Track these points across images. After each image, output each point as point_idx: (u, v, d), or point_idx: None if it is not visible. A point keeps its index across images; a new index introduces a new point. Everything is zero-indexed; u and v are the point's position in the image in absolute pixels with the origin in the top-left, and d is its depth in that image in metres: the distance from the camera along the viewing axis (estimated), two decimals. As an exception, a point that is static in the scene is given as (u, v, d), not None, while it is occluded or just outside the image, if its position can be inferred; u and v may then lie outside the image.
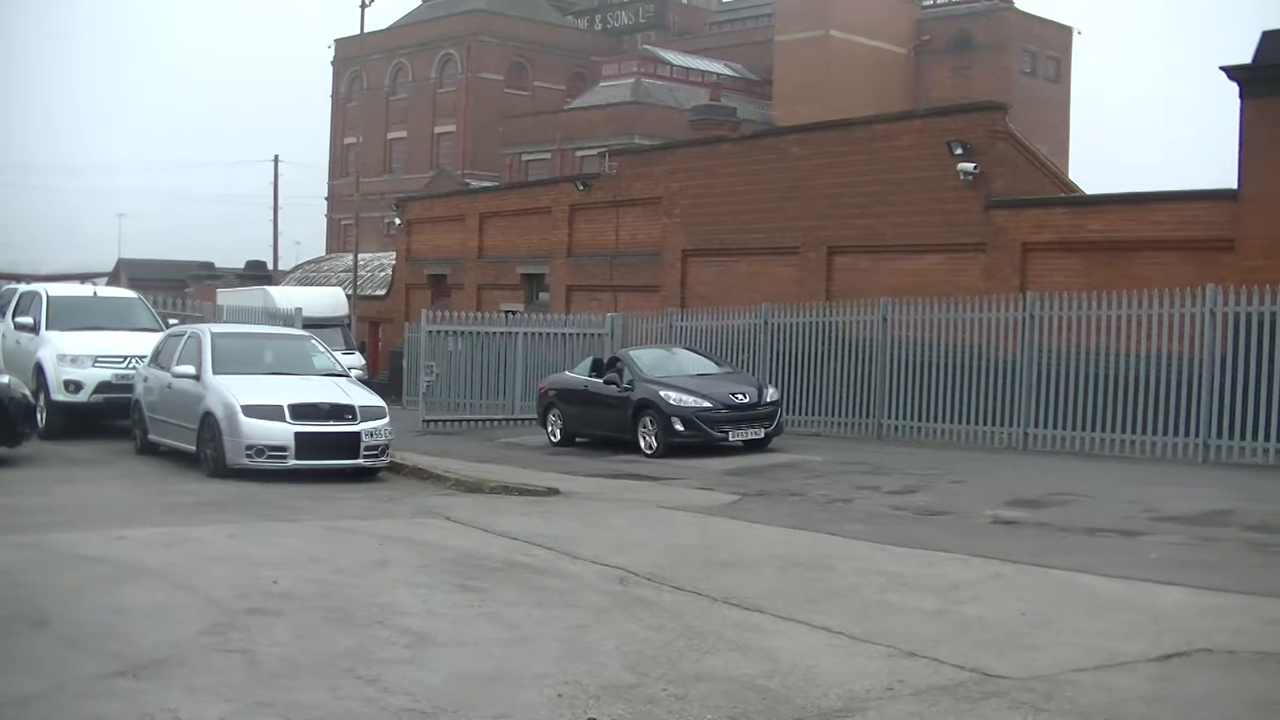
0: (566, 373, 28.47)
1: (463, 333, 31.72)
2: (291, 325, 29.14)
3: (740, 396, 24.45)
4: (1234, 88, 24.24)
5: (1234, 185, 24.36)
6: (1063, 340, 24.44)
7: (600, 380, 26.14)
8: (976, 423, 25.66)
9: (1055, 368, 24.33)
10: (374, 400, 20.57)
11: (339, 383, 20.83)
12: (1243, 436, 21.93)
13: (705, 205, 35.66)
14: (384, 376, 44.93)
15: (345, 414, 19.80)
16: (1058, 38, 78.47)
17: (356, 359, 39.24)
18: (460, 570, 12.19)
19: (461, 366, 31.56)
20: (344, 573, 11.97)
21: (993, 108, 30.95)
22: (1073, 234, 27.43)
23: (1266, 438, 21.65)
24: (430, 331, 30.97)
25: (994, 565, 12.71)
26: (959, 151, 28.98)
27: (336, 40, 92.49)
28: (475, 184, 62.72)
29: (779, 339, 29.47)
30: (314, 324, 31.48)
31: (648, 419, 24.44)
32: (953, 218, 29.40)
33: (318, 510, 16.28)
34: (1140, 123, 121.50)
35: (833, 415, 28.34)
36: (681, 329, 31.86)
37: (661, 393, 24.32)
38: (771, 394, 25.30)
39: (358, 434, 19.72)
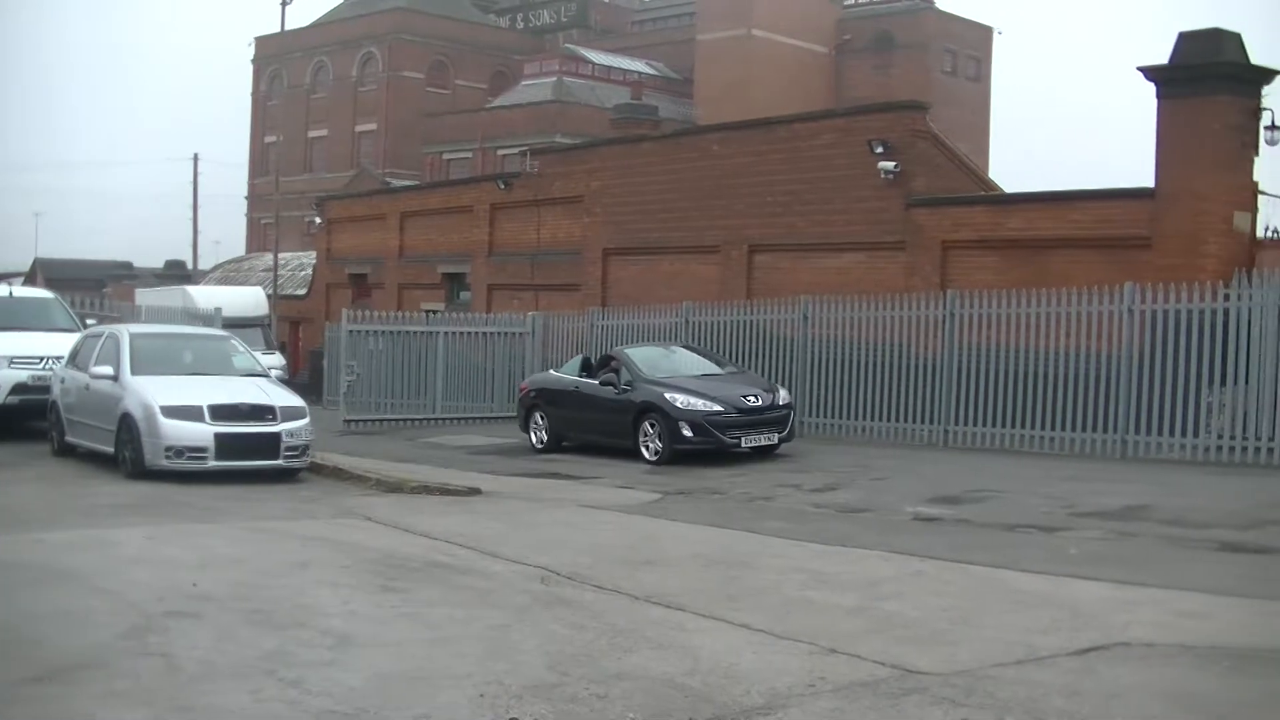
0: (551, 372, 27.33)
1: (383, 332, 31.60)
2: (211, 325, 28.93)
3: (752, 399, 23.03)
4: (1152, 88, 24.49)
5: (1151, 184, 24.58)
6: (983, 338, 24.58)
7: (592, 380, 24.67)
8: (897, 420, 25.78)
9: (975, 365, 24.46)
10: (294, 401, 20.46)
11: (259, 383, 20.69)
12: (1159, 432, 22.15)
13: (627, 204, 35.65)
14: (305, 376, 44.66)
15: (265, 415, 19.67)
16: (978, 37, 78.96)
17: (277, 359, 38.99)
18: (382, 571, 12.15)
19: (382, 366, 31.45)
20: (264, 574, 11.91)
21: (913, 107, 31.07)
22: (992, 232, 27.59)
23: (1183, 433, 21.87)
24: (351, 331, 30.82)
25: (915, 562, 12.80)
26: (879, 150, 29.07)
27: (257, 38, 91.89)
28: (396, 183, 62.47)
29: (700, 338, 29.46)
30: (234, 324, 31.24)
31: (650, 423, 22.94)
32: (873, 216, 29.49)
33: (238, 511, 16.18)
34: (1060, 122, 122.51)
35: (754, 413, 28.36)
36: (603, 328, 31.86)
37: (667, 395, 22.83)
38: (783, 396, 23.82)
39: (278, 435, 19.60)
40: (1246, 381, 21.42)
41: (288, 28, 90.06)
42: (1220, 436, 21.69)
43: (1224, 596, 10.88)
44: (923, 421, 25.36)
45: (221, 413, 19.32)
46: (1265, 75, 24.11)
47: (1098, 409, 22.92)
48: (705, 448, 22.52)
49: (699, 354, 26.11)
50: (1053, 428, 23.47)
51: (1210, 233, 23.61)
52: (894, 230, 29.07)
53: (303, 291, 54.37)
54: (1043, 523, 15.38)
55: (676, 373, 24.16)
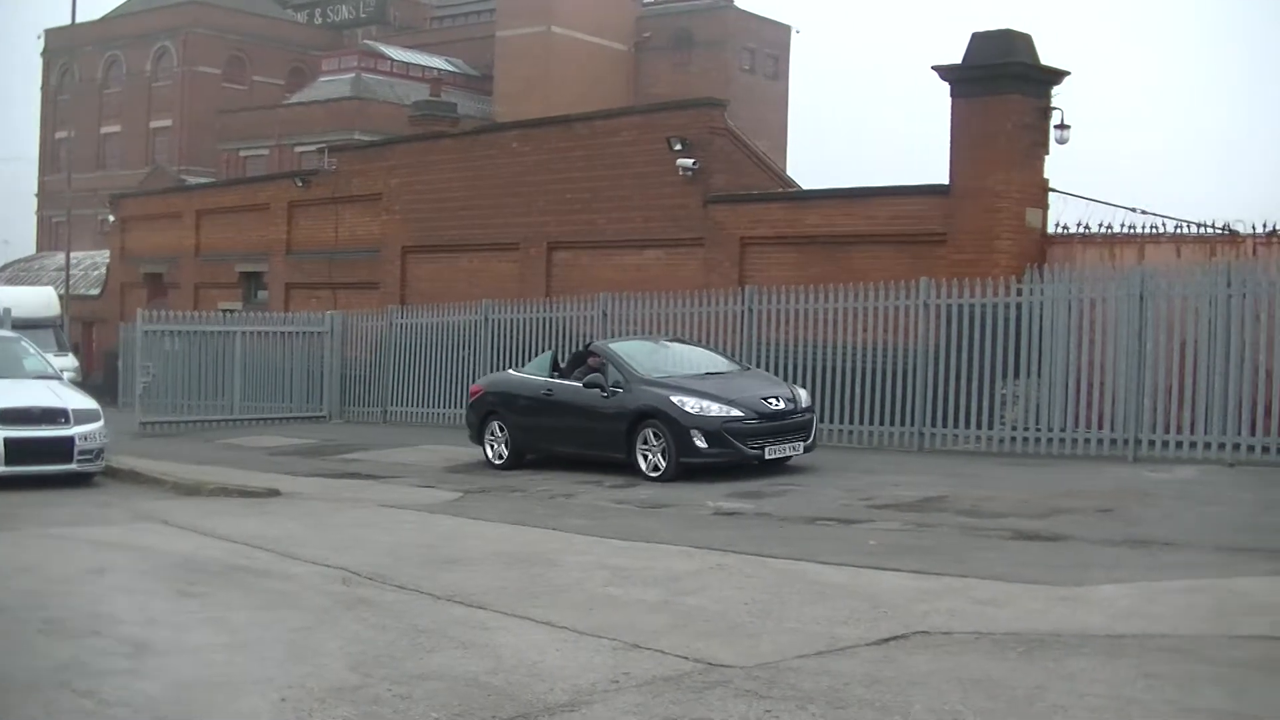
0: (511, 371, 24.00)
1: (180, 332, 31.10)
2: (0, 326, 28.29)
3: (774, 402, 19.90)
4: (946, 87, 24.91)
5: (946, 181, 25.01)
6: (781, 333, 24.83)
7: (569, 382, 21.27)
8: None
9: (774, 360, 24.66)
10: (88, 403, 20.07)
11: (51, 385, 20.29)
12: (956, 424, 22.57)
13: (426, 201, 35.44)
14: (99, 378, 43.83)
15: (58, 418, 19.30)
16: (776, 36, 79.66)
17: (69, 361, 38.05)
18: (180, 575, 11.97)
19: (179, 367, 30.92)
20: (58, 582, 11.67)
21: (712, 104, 31.27)
22: (790, 228, 27.85)
23: (978, 425, 22.31)
24: (146, 331, 30.31)
25: (716, 556, 12.89)
26: (678, 147, 29.21)
27: (46, 30, 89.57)
28: (192, 180, 61.44)
29: (500, 335, 29.42)
30: (24, 325, 30.47)
31: (651, 432, 19.65)
32: (672, 213, 29.63)
33: (30, 517, 15.85)
34: (857, 120, 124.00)
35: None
36: (401, 326, 31.71)
37: (674, 398, 19.56)
38: (804, 398, 20.77)
39: (71, 438, 19.24)
40: (1039, 374, 21.91)
41: (79, 20, 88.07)
42: (1014, 428, 22.15)
43: (1018, 584, 11.09)
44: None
45: (11, 416, 18.91)
46: (1055, 75, 24.64)
47: (896, 402, 23.29)
48: (721, 461, 19.38)
49: (696, 348, 22.96)
50: (852, 421, 23.78)
51: (1003, 229, 24.08)
52: (693, 227, 29.23)
53: (96, 291, 53.31)
54: (842, 515, 15.58)
55: (676, 370, 20.95)
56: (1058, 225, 24.41)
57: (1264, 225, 22.61)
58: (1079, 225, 24.03)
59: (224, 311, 36.06)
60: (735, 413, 19.41)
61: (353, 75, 72.73)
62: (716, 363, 21.71)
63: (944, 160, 25.00)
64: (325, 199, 38.94)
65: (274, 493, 18.24)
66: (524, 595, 10.99)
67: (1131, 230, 23.71)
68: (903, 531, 14.47)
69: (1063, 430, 21.63)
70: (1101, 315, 21.66)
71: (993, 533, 14.07)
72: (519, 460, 21.95)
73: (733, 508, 16.55)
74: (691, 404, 19.44)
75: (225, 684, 8.30)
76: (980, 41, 24.51)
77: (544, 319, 28.95)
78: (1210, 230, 23.41)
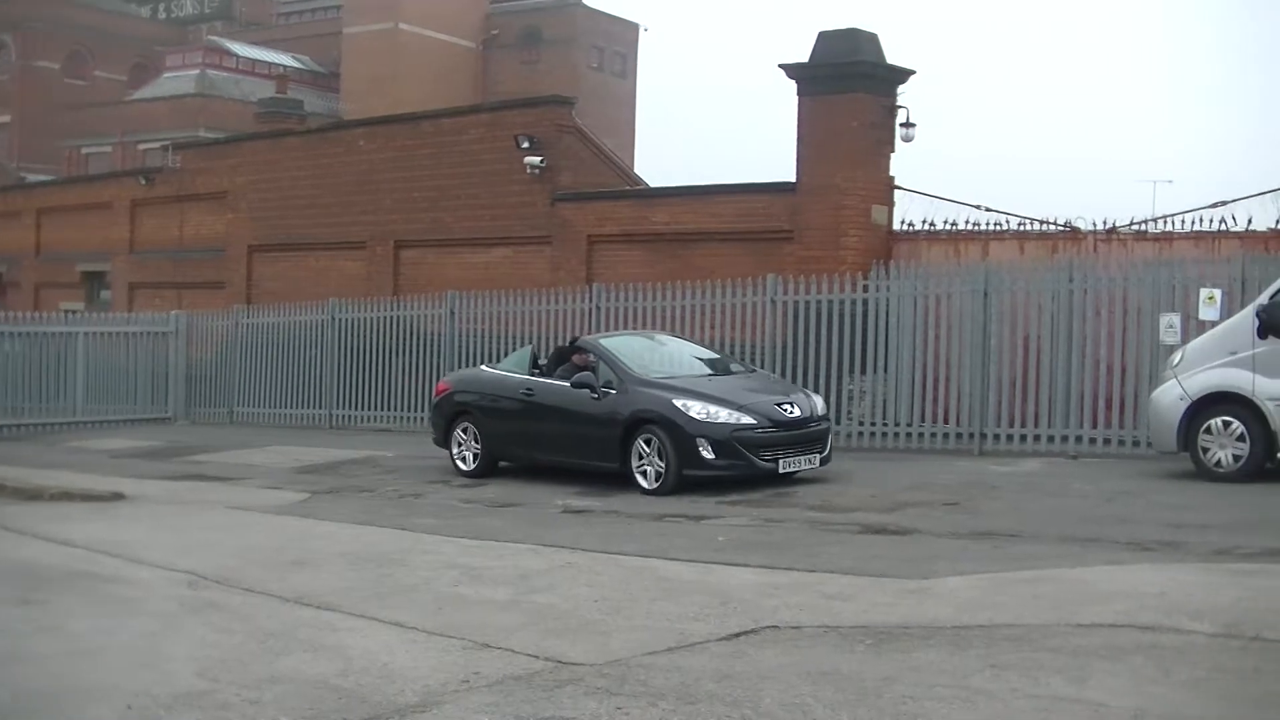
0: (484, 368, 22.03)
1: (17, 334, 30.51)
2: None
3: (789, 409, 17.92)
4: (793, 85, 25.10)
5: (793, 179, 25.19)
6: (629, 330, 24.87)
7: (555, 381, 19.14)
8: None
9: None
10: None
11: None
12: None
13: (272, 200, 35.10)
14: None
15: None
16: (625, 34, 79.72)
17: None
18: (20, 583, 11.73)
19: (18, 369, 30.33)
20: (-111, 591, 11.43)
21: (559, 102, 31.27)
22: (638, 226, 27.93)
23: (836, 420, 22.49)
24: (-16, 333, 29.75)
25: (565, 554, 12.90)
26: (526, 145, 29.18)
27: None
28: (32, 178, 60.35)
29: (347, 334, 29.22)
30: None
31: (649, 440, 17.62)
32: (520, 211, 29.60)
33: None
34: (705, 118, 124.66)
35: (403, 410, 28.21)
36: (248, 326, 31.37)
37: (677, 402, 17.51)
38: (820, 404, 18.89)
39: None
40: (886, 370, 22.13)
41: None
42: (861, 423, 22.36)
43: (866, 577, 11.19)
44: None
45: None
46: (900, 74, 24.91)
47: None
48: (729, 475, 17.35)
49: (695, 345, 21.21)
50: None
51: (849, 226, 24.31)
52: (540, 225, 29.23)
53: (-69, 292, 52.29)
54: (690, 512, 15.63)
55: (676, 370, 18.98)
56: (903, 222, 24.70)
57: (1104, 222, 23.06)
58: (924, 222, 24.34)
59: (65, 312, 35.41)
60: (747, 419, 17.43)
61: (197, 72, 71.85)
62: (717, 361, 19.86)
63: (791, 158, 25.20)
64: (169, 197, 38.44)
65: (119, 496, 17.96)
66: (373, 596, 10.93)
67: (976, 227, 24.05)
68: (751, 527, 14.55)
69: (909, 425, 21.90)
70: (947, 311, 21.94)
71: (841, 527, 14.19)
72: (490, 467, 20.02)
73: (581, 506, 16.57)
74: (697, 408, 17.42)
75: (70, 693, 8.15)
76: (826, 41, 24.72)
77: (391, 318, 28.78)
78: (1053, 227, 23.79)
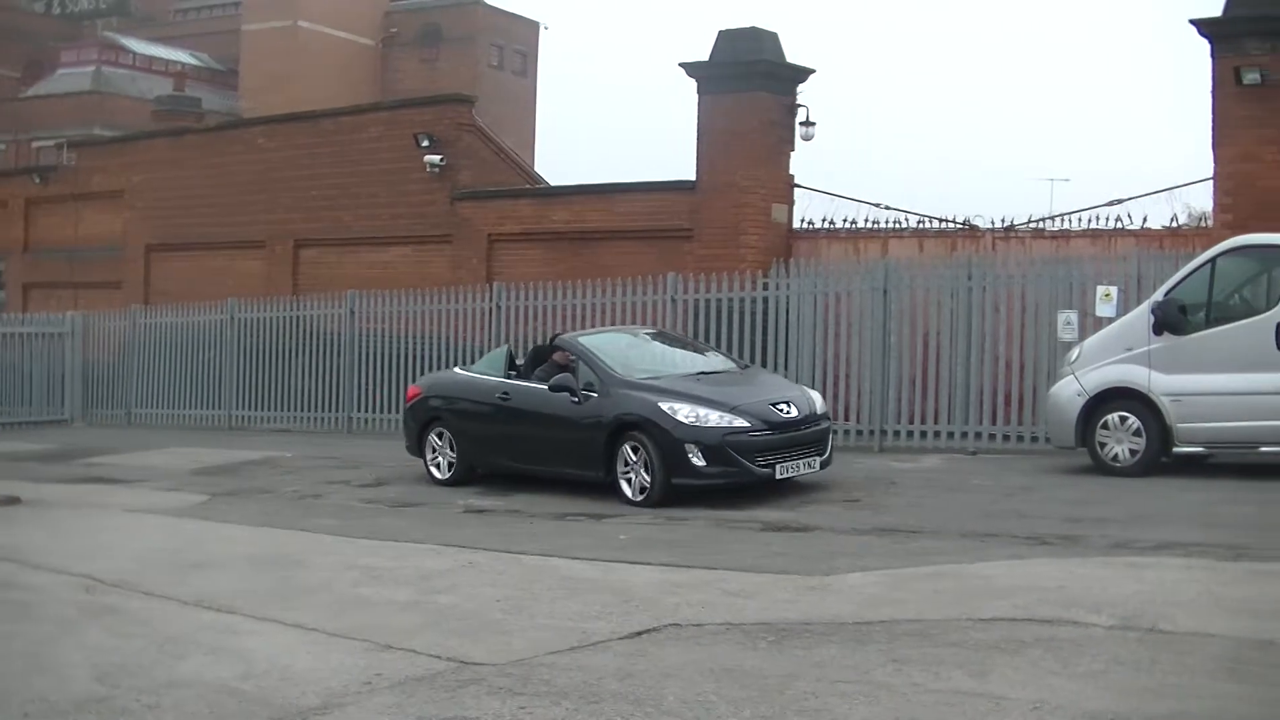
0: (458, 369, 20.59)
1: (-89, 335, 30.12)
2: None
3: (786, 409, 16.40)
4: (694, 84, 25.18)
5: (693, 177, 25.27)
6: (530, 329, 24.82)
7: (533, 385, 17.70)
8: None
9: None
10: None
11: None
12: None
13: (171, 198, 34.74)
14: None
15: None
16: (525, 32, 79.51)
17: None
18: (-88, 589, 11.58)
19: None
20: None
21: (459, 100, 31.22)
22: (538, 225, 27.93)
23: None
24: (-127, 335, 29.29)
25: (467, 554, 12.87)
26: (426, 144, 29.09)
27: None
28: (-78, 177, 59.55)
29: (246, 335, 29.02)
30: None
31: (634, 446, 16.17)
32: (419, 210, 29.51)
33: None
34: (606, 116, 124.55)
35: (303, 410, 28.10)
36: (145, 326, 31.05)
37: (663, 405, 16.06)
38: (819, 403, 17.36)
39: None
40: (786, 367, 22.20)
41: None
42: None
43: (768, 574, 11.24)
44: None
45: None
46: (800, 73, 25.03)
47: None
48: (723, 482, 15.92)
49: (684, 344, 19.87)
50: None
51: (750, 224, 24.44)
52: (440, 224, 29.16)
53: None
54: (591, 511, 15.65)
55: (661, 369, 17.51)
56: (804, 221, 24.84)
57: (1002, 220, 23.28)
58: (824, 221, 24.50)
59: (-42, 313, 34.98)
60: (740, 422, 15.93)
61: (93, 68, 71.01)
62: (709, 360, 18.38)
63: (692, 157, 25.27)
64: (65, 196, 37.94)
65: (14, 500, 17.68)
66: (274, 598, 10.86)
67: (875, 225, 24.23)
68: (653, 525, 14.58)
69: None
70: (847, 309, 22.07)
71: (742, 525, 14.24)
72: (467, 474, 18.59)
73: (483, 505, 16.55)
74: (685, 411, 15.95)
75: (-38, 700, 8.06)
76: (727, 39, 24.81)
77: (291, 317, 28.61)
78: (951, 225, 23.97)
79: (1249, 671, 7.58)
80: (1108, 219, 22.32)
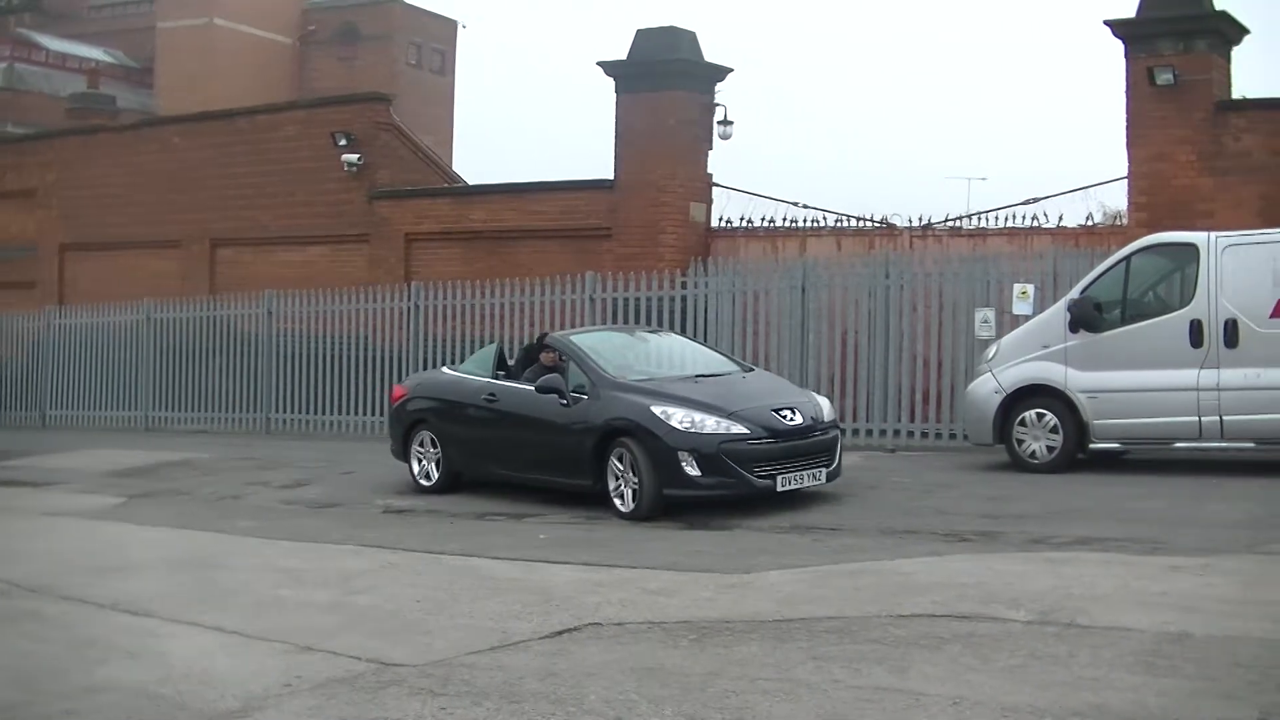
0: (445, 369, 19.41)
1: None
2: None
3: (790, 415, 15.14)
4: (611, 83, 25.22)
5: (611, 176, 25.30)
6: (448, 328, 24.82)
7: (520, 385, 16.56)
8: (365, 413, 25.72)
9: (441, 356, 24.59)
10: None
11: None
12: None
13: (85, 198, 34.40)
14: None
15: None
16: (443, 31, 79.19)
17: None
18: None
19: None
20: None
21: (377, 99, 31.11)
22: (456, 224, 27.87)
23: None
24: None
25: (386, 554, 12.85)
26: (343, 143, 28.96)
27: None
28: None
29: (163, 335, 28.81)
30: None
31: (624, 454, 14.90)
32: (337, 209, 29.37)
33: None
34: (525, 115, 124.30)
35: (221, 411, 27.92)
36: (60, 327, 30.79)
37: (656, 408, 14.81)
38: (828, 409, 16.02)
39: None
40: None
41: None
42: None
43: (688, 573, 11.30)
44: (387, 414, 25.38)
45: None
46: (718, 72, 25.14)
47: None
48: (719, 494, 14.77)
49: (683, 340, 18.59)
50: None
51: (668, 223, 24.51)
52: (357, 223, 29.04)
53: None
54: (512, 510, 15.65)
55: (657, 370, 16.49)
56: (722, 219, 24.93)
57: (920, 219, 23.43)
58: (743, 219, 24.60)
59: None
60: (738, 429, 14.72)
61: (4, 65, 70.24)
62: (710, 360, 17.07)
63: (611, 156, 25.30)
64: (-24, 194, 37.56)
65: (-75, 504, 17.57)
66: (193, 600, 10.78)
67: (794, 224, 24.34)
68: (573, 525, 14.61)
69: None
70: (765, 307, 22.15)
71: (662, 524, 14.25)
72: (453, 482, 17.43)
73: (402, 505, 16.50)
74: (679, 416, 14.73)
75: (-126, 710, 7.97)
76: (645, 38, 24.87)
77: (208, 318, 28.43)
78: (869, 224, 24.10)
79: (1165, 664, 7.65)
80: (1024, 218, 22.53)
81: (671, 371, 16.38)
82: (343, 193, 29.27)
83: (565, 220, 26.11)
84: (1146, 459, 16.98)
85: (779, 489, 14.69)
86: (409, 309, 25.37)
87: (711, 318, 22.39)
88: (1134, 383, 16.06)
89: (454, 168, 36.66)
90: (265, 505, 17.13)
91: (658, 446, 14.56)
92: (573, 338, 16.89)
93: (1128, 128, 21.17)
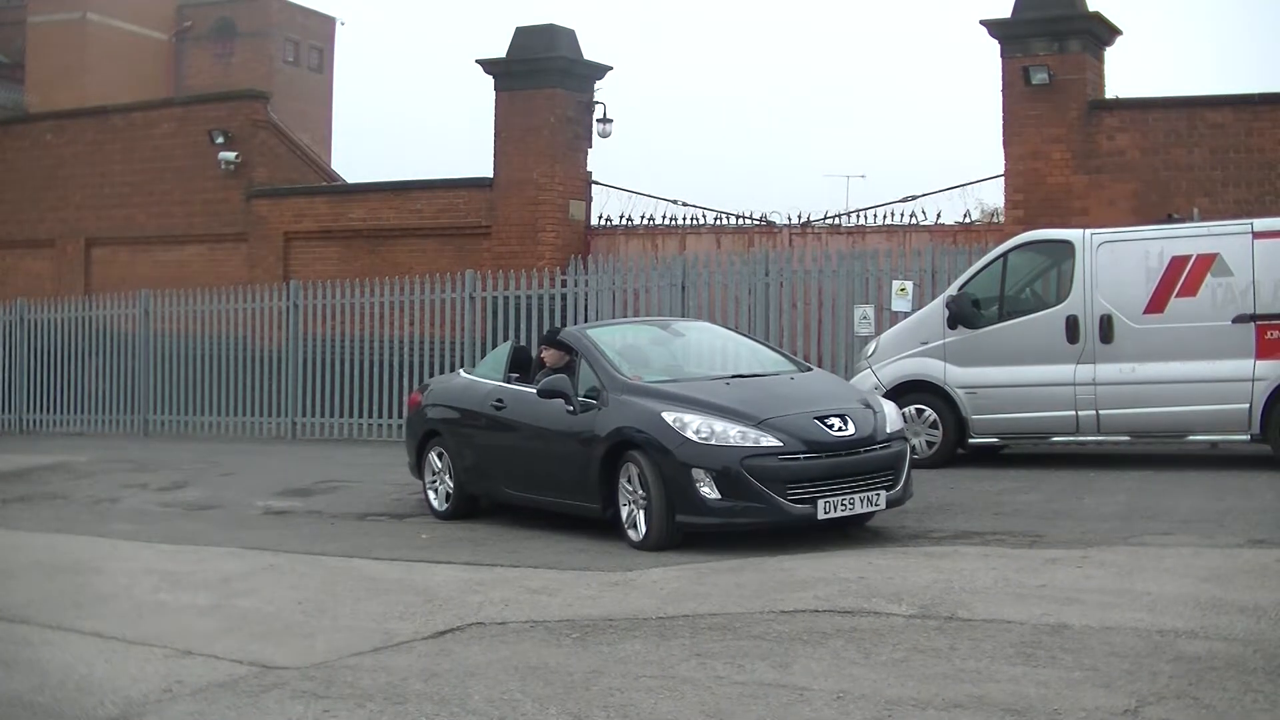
0: (461, 372, 16.43)
1: None
2: None
3: (839, 425, 12.29)
4: (490, 80, 25.21)
5: (490, 174, 25.28)
6: (327, 328, 24.69)
7: (523, 388, 14.05)
8: (244, 414, 25.52)
9: (320, 356, 24.51)
10: None
11: None
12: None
13: (-46, 196, 33.95)
14: None
15: None
16: (321, 27, 78.59)
17: None
18: None
19: None
20: None
21: (254, 96, 30.93)
22: (334, 223, 27.75)
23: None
24: None
25: (267, 556, 12.74)
26: (220, 140, 28.73)
27: None
28: None
29: (36, 336, 28.39)
30: None
31: (635, 471, 12.30)
32: (214, 208, 29.14)
33: None
34: (403, 113, 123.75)
35: (97, 413, 27.55)
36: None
37: (668, 415, 12.18)
38: (893, 418, 13.11)
39: None
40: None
41: None
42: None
43: (570, 571, 11.34)
44: (270, 414, 25.21)
45: None
46: (597, 70, 25.22)
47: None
48: (742, 521, 12.02)
49: (730, 335, 15.54)
50: (398, 415, 23.72)
51: (546, 221, 24.57)
52: (235, 222, 28.83)
53: None
54: (393, 510, 15.59)
55: (687, 371, 13.96)
56: (601, 218, 25.02)
57: (799, 216, 23.58)
58: (622, 217, 24.73)
59: None
60: (768, 440, 12.00)
61: None
62: (757, 358, 14.30)
63: (490, 154, 25.27)
64: None
65: None
66: (69, 606, 10.63)
67: (673, 222, 24.48)
68: (454, 524, 14.54)
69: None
70: (645, 305, 22.22)
71: (542, 523, 14.23)
72: (470, 506, 14.84)
73: (282, 507, 16.38)
74: (696, 425, 12.07)
75: None
76: (524, 36, 24.90)
77: (82, 318, 28.03)
78: (748, 221, 24.22)
79: (1043, 655, 7.74)
80: (903, 215, 22.79)
81: (702, 372, 13.90)
82: (220, 191, 29.02)
83: (444, 219, 26.09)
84: (1025, 454, 17.20)
85: (820, 516, 11.90)
86: (288, 308, 25.17)
87: (592, 316, 22.39)
88: (1012, 378, 16.24)
89: (333, 166, 36.49)
90: (143, 508, 16.94)
91: (668, 462, 12.04)
92: (589, 331, 14.42)
93: (1003, 126, 21.46)
